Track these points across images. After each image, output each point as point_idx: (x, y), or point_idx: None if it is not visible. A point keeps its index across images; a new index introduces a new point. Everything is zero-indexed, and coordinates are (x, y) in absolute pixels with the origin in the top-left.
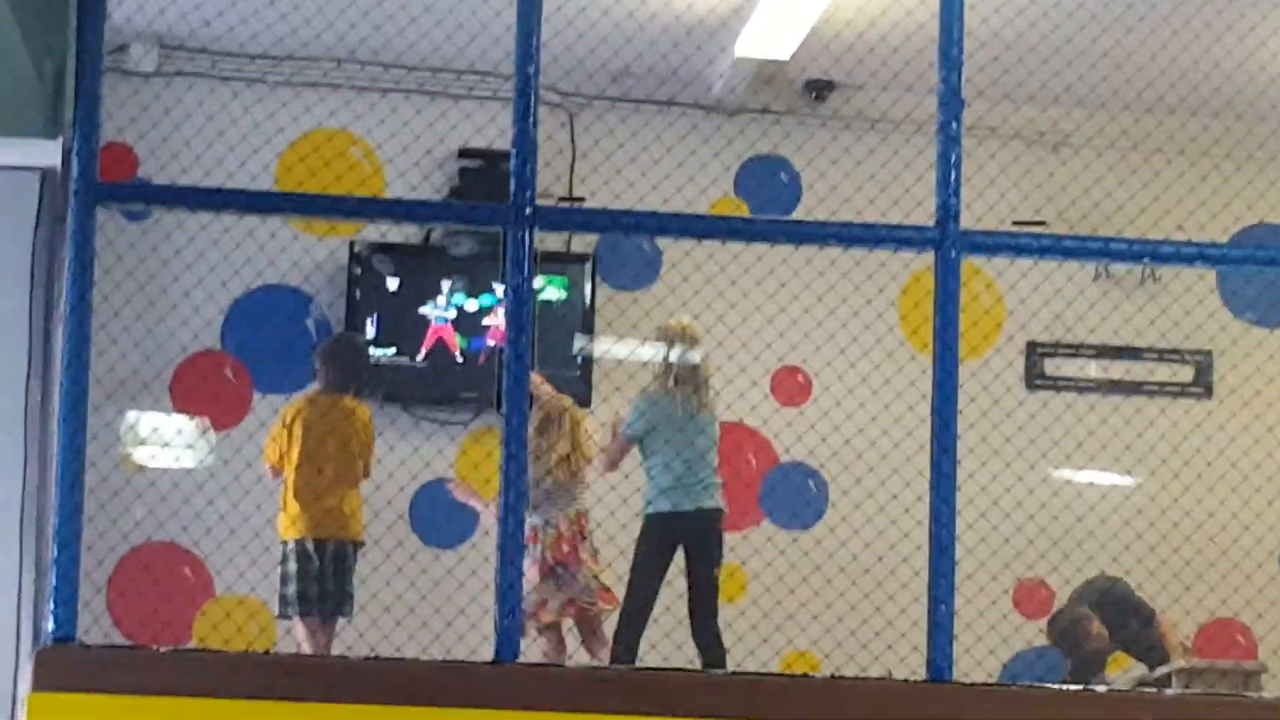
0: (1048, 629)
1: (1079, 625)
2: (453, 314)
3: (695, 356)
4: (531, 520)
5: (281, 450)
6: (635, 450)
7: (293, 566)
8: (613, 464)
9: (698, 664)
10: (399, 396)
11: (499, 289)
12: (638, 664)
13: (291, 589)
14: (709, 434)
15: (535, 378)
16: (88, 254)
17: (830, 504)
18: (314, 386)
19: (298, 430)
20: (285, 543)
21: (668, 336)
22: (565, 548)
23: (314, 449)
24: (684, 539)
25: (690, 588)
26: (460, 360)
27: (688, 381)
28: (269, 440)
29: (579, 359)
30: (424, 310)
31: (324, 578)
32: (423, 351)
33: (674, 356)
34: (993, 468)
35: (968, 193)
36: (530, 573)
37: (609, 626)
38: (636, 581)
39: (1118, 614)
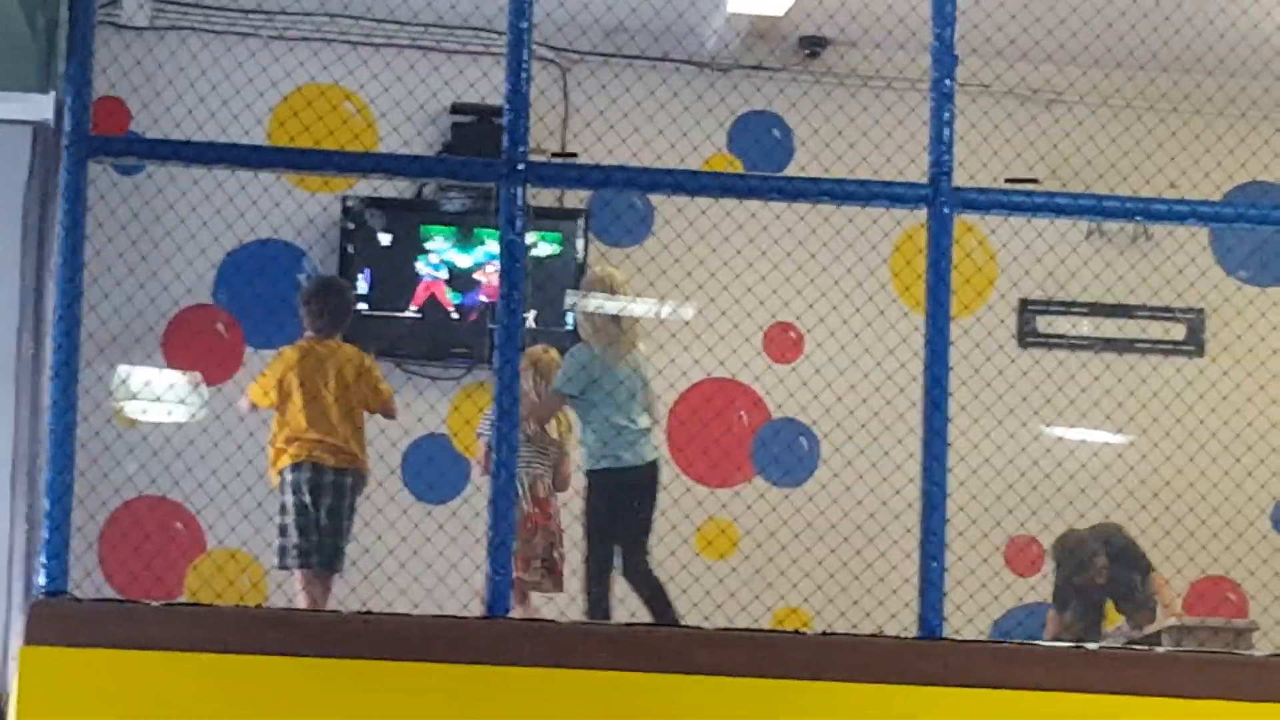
0: (1053, 545)
1: (1086, 551)
2: (445, 273)
3: (611, 307)
4: None
5: (271, 399)
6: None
7: (291, 518)
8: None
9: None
10: (391, 351)
11: (491, 244)
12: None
13: (290, 540)
14: (630, 385)
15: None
16: (80, 208)
17: (822, 460)
18: (305, 335)
19: (292, 379)
20: (282, 488)
21: (595, 286)
22: (525, 507)
23: (314, 396)
24: (627, 492)
25: (620, 531)
26: (455, 316)
27: (606, 333)
28: (257, 381)
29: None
30: (417, 265)
31: (321, 529)
32: (413, 306)
33: (592, 308)
34: (985, 425)
35: (960, 150)
36: None
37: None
38: (592, 541)
39: (1125, 563)
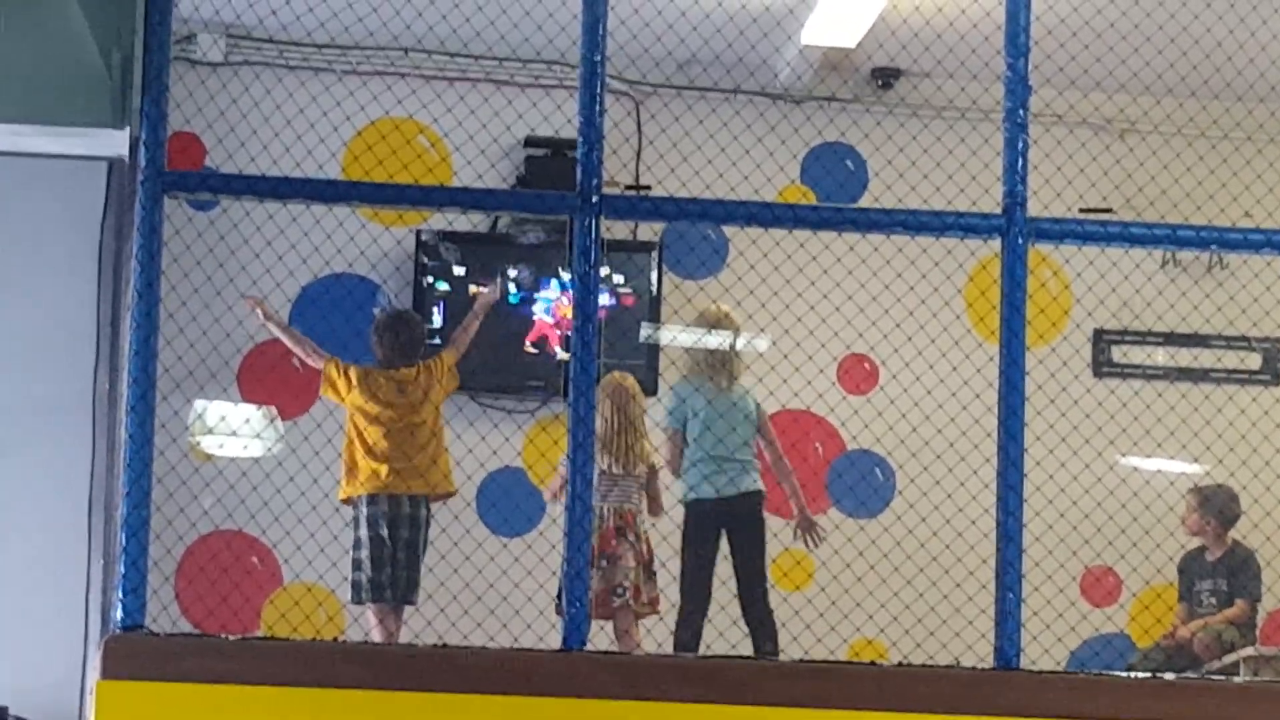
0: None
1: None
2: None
3: (726, 342)
4: None
5: (339, 393)
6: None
7: (366, 552)
8: (673, 465)
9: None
10: (465, 384)
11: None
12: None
13: (364, 574)
14: (741, 415)
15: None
16: (155, 243)
17: (897, 492)
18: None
19: (356, 400)
20: (357, 522)
21: (704, 323)
22: (613, 540)
23: (391, 426)
24: (726, 523)
25: (737, 572)
26: (528, 350)
27: (718, 366)
28: (330, 379)
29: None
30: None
31: (396, 562)
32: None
33: (706, 342)
34: (1060, 455)
35: (1034, 180)
36: None
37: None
38: (689, 572)
39: (1246, 574)
